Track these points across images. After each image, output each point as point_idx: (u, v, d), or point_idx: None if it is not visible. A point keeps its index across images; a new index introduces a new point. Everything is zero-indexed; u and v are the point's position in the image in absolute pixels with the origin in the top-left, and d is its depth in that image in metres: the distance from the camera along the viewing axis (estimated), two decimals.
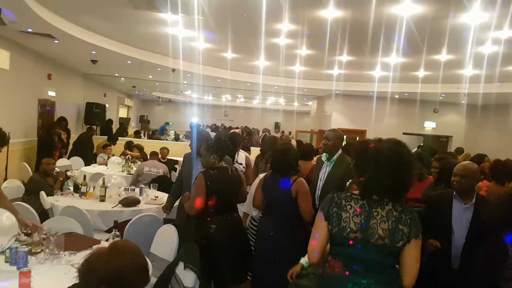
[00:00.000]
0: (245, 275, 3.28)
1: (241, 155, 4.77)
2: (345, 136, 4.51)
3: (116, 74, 12.54)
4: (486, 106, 11.14)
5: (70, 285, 1.63)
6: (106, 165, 7.22)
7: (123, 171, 6.83)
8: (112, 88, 16.23)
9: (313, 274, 2.35)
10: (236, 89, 14.37)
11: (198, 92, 18.12)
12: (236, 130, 8.10)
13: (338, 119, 12.24)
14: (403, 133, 12.38)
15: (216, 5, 5.08)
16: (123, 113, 19.29)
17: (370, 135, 11.68)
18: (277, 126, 23.53)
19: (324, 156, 3.85)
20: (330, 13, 5.06)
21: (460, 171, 2.83)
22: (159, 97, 21.67)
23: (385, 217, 1.81)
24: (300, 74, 9.69)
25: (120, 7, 5.56)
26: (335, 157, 3.72)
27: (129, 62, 9.24)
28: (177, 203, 4.04)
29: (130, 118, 19.35)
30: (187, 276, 2.55)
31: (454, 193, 2.88)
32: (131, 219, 3.64)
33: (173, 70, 9.81)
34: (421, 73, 8.72)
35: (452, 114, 12.57)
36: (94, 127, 11.10)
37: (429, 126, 12.64)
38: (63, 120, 9.01)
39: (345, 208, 1.85)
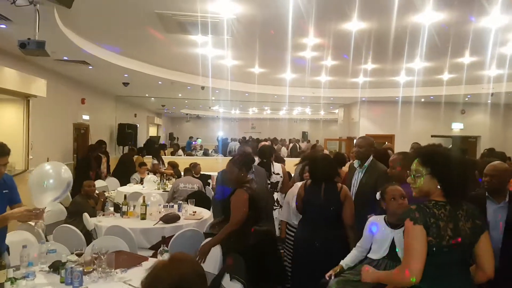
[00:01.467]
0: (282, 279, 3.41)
1: (277, 166, 4.85)
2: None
3: (147, 95, 13.03)
4: (509, 104, 11.03)
5: None
6: (142, 183, 7.41)
7: (158, 189, 6.92)
8: (142, 108, 16.75)
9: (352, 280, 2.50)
10: (263, 102, 14.68)
11: (225, 107, 18.57)
12: (266, 143, 8.30)
13: (365, 125, 12.38)
14: (432, 136, 12.37)
15: (244, 24, 5.29)
16: (153, 131, 19.87)
17: (398, 140, 11.77)
18: (304, 135, 23.62)
19: (356, 163, 3.95)
20: (354, 26, 5.31)
21: (489, 171, 2.88)
22: (187, 114, 22.29)
23: (466, 216, 1.92)
24: (326, 84, 9.94)
25: (151, 31, 5.83)
26: (366, 163, 3.83)
27: (160, 82, 9.64)
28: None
29: (159, 136, 19.99)
30: (233, 287, 2.66)
31: (487, 193, 2.92)
32: (173, 235, 3.79)
33: (203, 87, 10.13)
34: (445, 76, 8.81)
35: (479, 114, 12.50)
36: (135, 148, 11.38)
37: (457, 128, 12.61)
38: (102, 144, 8.99)
39: (439, 216, 1.87)
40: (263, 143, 6.04)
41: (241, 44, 6.51)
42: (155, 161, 9.06)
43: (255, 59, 7.80)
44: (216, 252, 3.24)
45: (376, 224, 2.64)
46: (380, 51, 6.83)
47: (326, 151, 6.68)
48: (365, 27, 5.42)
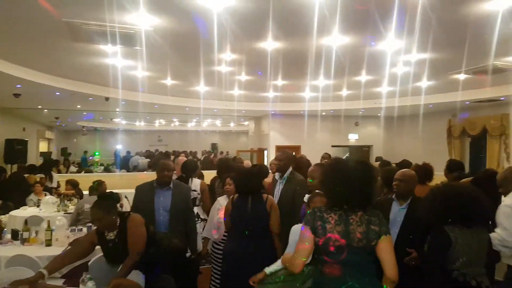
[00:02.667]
0: None
1: (196, 182, 4.81)
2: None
3: (39, 106, 11.81)
4: (401, 117, 12.59)
5: None
6: (38, 206, 6.73)
7: (58, 211, 6.41)
8: (31, 121, 15.02)
9: (278, 280, 2.63)
10: (173, 113, 14.38)
11: (129, 118, 17.69)
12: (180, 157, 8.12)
13: (275, 137, 12.99)
14: (332, 146, 13.44)
15: (160, 36, 5.17)
16: (43, 147, 18.09)
17: (304, 150, 12.51)
18: (214, 147, 23.57)
19: (277, 175, 4.28)
20: (270, 45, 5.57)
21: (398, 177, 3.27)
22: (83, 127, 20.66)
23: (359, 221, 2.07)
24: (239, 97, 10.17)
25: (56, 40, 5.43)
26: (286, 175, 4.15)
27: (57, 93, 8.86)
28: None
29: (51, 152, 18.22)
30: None
31: (395, 196, 3.31)
32: (88, 261, 3.47)
33: (107, 98, 9.60)
34: (344, 92, 9.69)
35: (371, 126, 13.98)
36: (23, 165, 10.14)
37: (353, 138, 13.89)
38: None
39: (327, 220, 2.07)
40: (181, 158, 5.89)
41: (155, 56, 6.34)
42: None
43: (169, 71, 7.65)
44: (137, 275, 2.96)
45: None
46: (291, 68, 7.25)
47: (248, 162, 6.81)
48: (279, 47, 5.70)
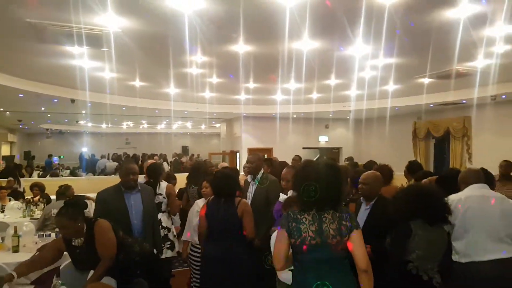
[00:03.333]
0: None
1: (162, 185, 4.68)
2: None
3: (1, 109, 11.40)
4: (369, 119, 12.93)
5: None
6: (2, 211, 6.49)
7: (24, 216, 6.24)
8: None
9: None
10: (142, 116, 14.11)
11: (95, 121, 17.20)
12: (153, 160, 8.01)
13: (247, 140, 12.99)
14: (303, 148, 13.61)
15: (129, 38, 5.09)
16: (5, 150, 17.36)
17: (276, 152, 12.62)
18: (185, 149, 23.26)
19: (249, 177, 4.39)
20: (241, 48, 5.59)
21: (362, 179, 3.40)
22: (47, 129, 19.94)
23: (331, 219, 2.18)
24: (210, 99, 10.10)
25: (20, 40, 5.23)
26: (258, 176, 4.29)
27: (21, 95, 8.54)
28: None
29: (14, 156, 17.49)
30: None
31: (362, 197, 3.45)
32: (59, 266, 3.37)
33: (73, 100, 9.32)
34: (315, 95, 9.84)
35: (341, 128, 14.26)
36: None
37: (323, 140, 14.12)
38: None
39: (301, 221, 2.18)
40: (150, 161, 5.80)
41: (123, 57, 6.20)
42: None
43: (137, 73, 7.51)
44: (108, 280, 2.94)
45: None
46: (262, 71, 7.29)
47: (225, 164, 6.78)
48: (251, 50, 5.72)
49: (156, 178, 4.63)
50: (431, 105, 10.20)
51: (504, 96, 8.57)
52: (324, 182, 2.16)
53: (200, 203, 4.04)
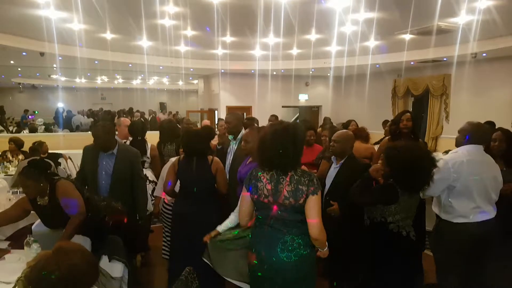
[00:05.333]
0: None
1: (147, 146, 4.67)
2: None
3: None
4: (349, 77, 12.77)
5: None
6: None
7: None
8: None
9: (232, 236, 2.68)
10: (116, 70, 13.61)
11: (69, 75, 16.54)
12: (136, 117, 7.79)
13: (225, 97, 12.68)
14: (282, 106, 13.49)
15: None
16: None
17: (255, 111, 12.48)
18: (162, 106, 22.77)
19: (230, 137, 4.26)
20: None
21: (334, 138, 3.41)
22: (19, 84, 19.14)
23: (289, 181, 2.21)
24: (186, 54, 9.71)
25: None
26: (239, 136, 4.11)
27: None
28: None
29: None
30: (114, 268, 2.61)
31: (333, 155, 3.47)
32: (33, 223, 3.34)
33: (42, 54, 8.92)
34: (295, 51, 9.58)
35: (321, 86, 14.08)
36: None
37: (303, 98, 13.94)
38: None
39: (260, 179, 2.28)
40: (123, 119, 5.56)
41: (91, 7, 5.84)
42: None
43: (108, 24, 7.11)
44: (84, 238, 2.95)
45: None
46: (239, 25, 6.98)
47: (207, 122, 6.60)
48: (226, 0, 5.41)
49: (142, 136, 4.59)
50: (412, 63, 10.10)
51: (484, 54, 8.52)
52: (281, 145, 2.20)
53: (174, 160, 3.95)
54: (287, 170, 2.23)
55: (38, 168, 2.85)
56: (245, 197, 2.35)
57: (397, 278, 2.61)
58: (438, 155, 3.70)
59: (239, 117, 4.28)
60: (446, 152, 7.50)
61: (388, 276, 2.63)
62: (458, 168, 2.79)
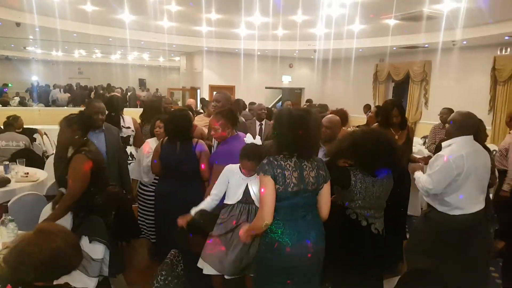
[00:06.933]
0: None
1: (127, 119, 4.48)
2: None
3: None
4: (333, 60, 12.73)
5: None
6: None
7: None
8: None
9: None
10: (96, 44, 13.16)
11: (45, 47, 15.91)
12: (116, 93, 7.59)
13: (209, 76, 12.48)
14: (266, 87, 13.44)
15: None
16: None
17: (238, 91, 12.38)
18: (142, 83, 22.19)
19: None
20: None
21: (326, 123, 3.31)
22: None
23: (311, 167, 2.21)
24: (170, 29, 9.47)
25: None
26: None
27: None
28: None
29: None
30: (95, 249, 2.53)
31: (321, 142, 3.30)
32: (8, 201, 3.32)
33: (18, 24, 8.56)
34: (280, 31, 9.50)
35: (305, 68, 14.07)
36: None
37: (286, 80, 13.90)
38: None
39: (285, 167, 2.15)
40: (113, 93, 5.43)
41: None
42: None
43: None
44: (65, 221, 2.85)
45: (231, 172, 2.76)
46: (224, 1, 6.83)
47: (192, 101, 6.45)
48: None
49: (117, 112, 4.38)
50: (394, 48, 10.20)
51: (465, 42, 8.68)
52: (306, 131, 2.16)
53: (151, 142, 3.84)
54: (309, 156, 2.23)
55: (81, 124, 2.87)
56: (272, 186, 2.13)
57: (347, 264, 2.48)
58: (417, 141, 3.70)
59: (228, 98, 4.20)
60: (424, 137, 7.72)
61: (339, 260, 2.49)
62: (459, 163, 2.75)
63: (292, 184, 2.13)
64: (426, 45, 9.56)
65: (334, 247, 2.36)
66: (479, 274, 2.93)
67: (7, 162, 4.40)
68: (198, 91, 12.98)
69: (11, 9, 7.85)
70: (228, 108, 3.36)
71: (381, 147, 2.45)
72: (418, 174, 3.01)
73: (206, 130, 4.24)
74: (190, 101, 6.59)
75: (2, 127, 6.15)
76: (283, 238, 2.16)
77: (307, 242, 2.17)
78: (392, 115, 3.80)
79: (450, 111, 4.98)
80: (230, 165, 2.78)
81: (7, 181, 3.86)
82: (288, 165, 2.15)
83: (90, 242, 2.53)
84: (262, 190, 2.13)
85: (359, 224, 2.48)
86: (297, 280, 2.20)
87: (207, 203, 2.79)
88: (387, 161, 2.48)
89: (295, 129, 2.15)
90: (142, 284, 3.33)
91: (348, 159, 2.58)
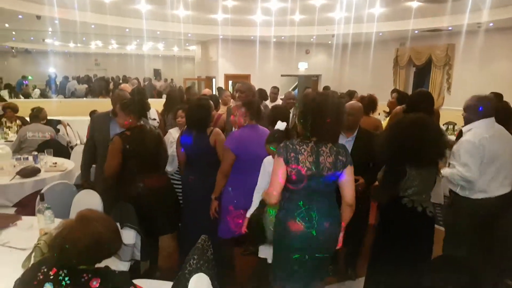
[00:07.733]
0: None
1: (152, 111, 4.55)
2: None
3: None
4: (352, 45, 12.40)
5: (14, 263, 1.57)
6: None
7: None
8: None
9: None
10: (112, 35, 13.23)
11: (63, 39, 16.09)
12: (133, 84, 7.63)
13: (224, 65, 12.41)
14: (281, 75, 13.28)
15: None
16: None
17: (253, 79, 12.25)
18: (157, 73, 22.30)
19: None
20: None
21: (348, 110, 3.11)
22: (13, 48, 18.59)
23: (329, 153, 2.20)
24: (185, 18, 9.42)
25: None
26: None
27: None
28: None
29: None
30: (126, 235, 2.57)
31: None
32: (40, 190, 3.30)
33: (38, 17, 8.66)
34: (297, 16, 9.31)
35: (322, 54, 13.82)
36: None
37: (302, 67, 13.70)
38: None
39: (300, 151, 2.19)
40: (124, 85, 5.46)
41: None
42: None
43: None
44: (96, 204, 2.98)
45: (268, 163, 2.74)
46: None
47: (208, 91, 6.43)
48: None
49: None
50: (416, 31, 9.89)
51: (491, 24, 8.35)
52: (329, 116, 2.16)
53: (173, 132, 3.95)
54: (329, 142, 2.21)
55: (134, 107, 3.00)
56: (282, 169, 2.20)
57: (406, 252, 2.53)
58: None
59: (251, 87, 4.20)
60: (447, 124, 7.51)
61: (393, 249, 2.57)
62: (484, 143, 2.74)
63: (306, 168, 2.16)
64: (450, 28, 9.23)
65: (392, 240, 2.51)
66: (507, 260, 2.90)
67: (35, 153, 4.48)
68: (214, 80, 12.93)
69: (32, 3, 7.92)
70: (256, 101, 3.36)
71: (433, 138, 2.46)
72: (447, 171, 2.92)
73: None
74: (206, 90, 6.56)
75: (28, 119, 6.26)
76: (297, 219, 2.22)
77: (321, 226, 2.21)
78: (421, 108, 3.69)
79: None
80: (267, 157, 2.82)
81: (38, 170, 3.96)
82: (303, 149, 2.19)
83: (121, 228, 2.58)
84: (274, 170, 2.22)
85: (415, 211, 2.52)
86: (308, 264, 2.26)
87: (257, 204, 2.78)
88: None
89: (316, 114, 2.17)
90: (171, 269, 3.43)
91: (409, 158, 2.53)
